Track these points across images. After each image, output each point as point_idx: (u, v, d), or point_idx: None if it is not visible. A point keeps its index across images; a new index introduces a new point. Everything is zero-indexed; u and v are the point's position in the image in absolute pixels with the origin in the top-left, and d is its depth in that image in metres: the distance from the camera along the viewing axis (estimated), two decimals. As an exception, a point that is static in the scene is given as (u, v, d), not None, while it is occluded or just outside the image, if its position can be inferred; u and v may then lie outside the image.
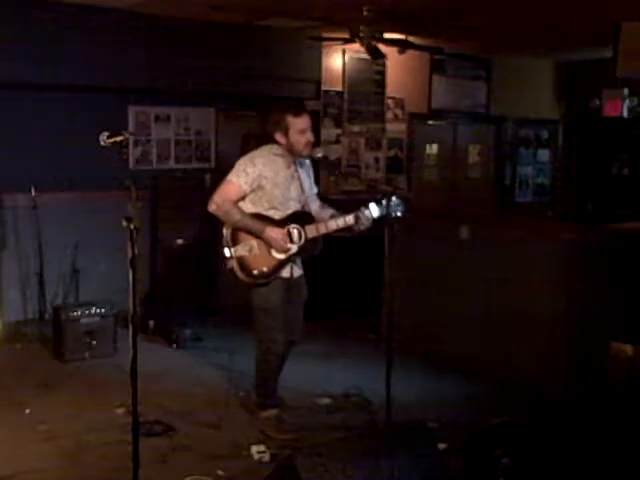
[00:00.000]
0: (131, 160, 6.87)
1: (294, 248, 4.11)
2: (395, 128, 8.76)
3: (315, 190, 4.38)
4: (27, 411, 4.50)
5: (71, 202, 6.55)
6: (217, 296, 6.89)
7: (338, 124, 8.23)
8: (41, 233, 6.28)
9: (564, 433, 3.96)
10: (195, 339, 6.03)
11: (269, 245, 4.06)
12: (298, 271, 4.27)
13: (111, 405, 4.46)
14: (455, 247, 5.54)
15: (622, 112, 7.87)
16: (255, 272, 4.07)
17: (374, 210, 4.08)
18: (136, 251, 3.09)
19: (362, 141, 8.50)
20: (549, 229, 5.28)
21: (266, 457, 3.86)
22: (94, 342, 5.53)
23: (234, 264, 4.08)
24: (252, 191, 4.08)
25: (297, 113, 4.12)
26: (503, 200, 9.90)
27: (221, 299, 6.84)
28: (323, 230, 4.13)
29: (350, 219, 4.11)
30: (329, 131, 8.16)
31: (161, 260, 6.94)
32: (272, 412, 4.28)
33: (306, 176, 4.28)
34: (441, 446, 3.89)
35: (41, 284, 6.33)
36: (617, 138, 8.11)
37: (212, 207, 4.08)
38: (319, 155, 4.28)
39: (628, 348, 4.38)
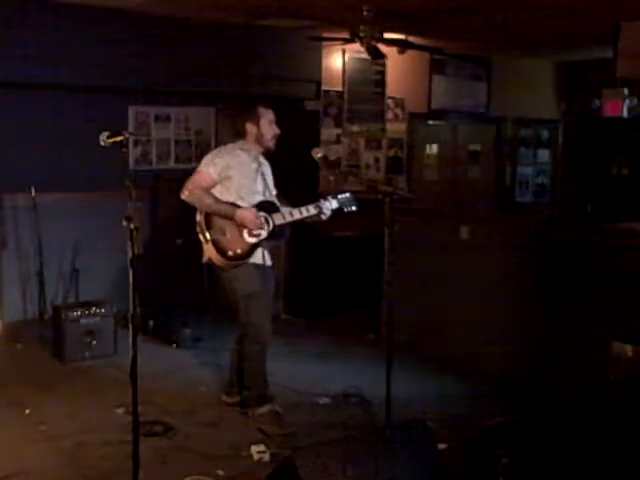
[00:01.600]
0: (131, 160, 6.87)
1: (263, 233, 4.29)
2: (395, 128, 8.76)
3: (275, 192, 4.54)
4: (27, 411, 4.50)
5: (71, 202, 6.55)
6: (217, 296, 6.88)
7: (338, 124, 8.23)
8: (41, 233, 6.28)
9: (564, 433, 3.96)
10: (195, 339, 6.03)
11: (242, 226, 4.21)
12: (269, 261, 4.42)
13: (111, 405, 4.47)
14: (455, 247, 5.54)
15: (622, 112, 7.87)
16: (230, 253, 4.21)
17: (333, 202, 4.45)
18: (136, 251, 3.09)
19: (362, 141, 8.49)
20: (549, 229, 5.28)
21: (266, 457, 3.87)
22: (94, 342, 5.53)
23: (210, 248, 4.21)
24: (220, 181, 4.26)
25: (267, 106, 4.42)
26: (503, 200, 9.90)
27: (221, 299, 6.83)
28: (289, 218, 4.39)
29: (311, 209, 4.40)
30: (329, 131, 8.15)
31: (161, 260, 6.93)
32: (268, 407, 4.31)
33: (268, 176, 4.50)
34: (441, 446, 3.89)
35: (41, 284, 6.33)
36: (617, 138, 8.10)
37: (185, 194, 4.25)
38: (319, 155, 4.38)
39: (628, 348, 4.38)
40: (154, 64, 6.52)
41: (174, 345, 5.96)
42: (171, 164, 7.26)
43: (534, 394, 4.70)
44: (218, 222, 4.22)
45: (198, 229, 4.26)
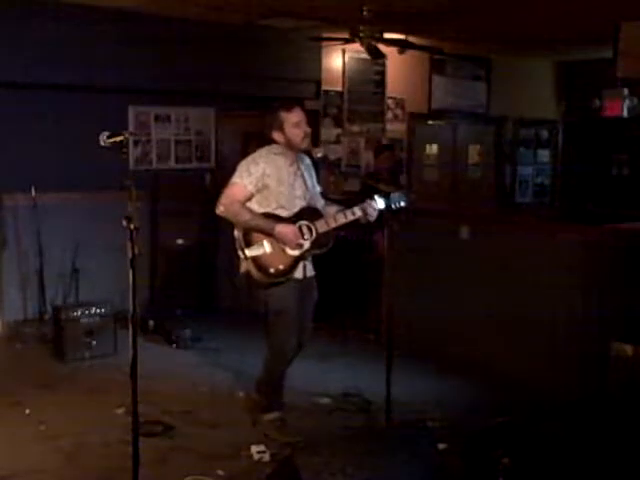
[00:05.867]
0: (131, 160, 6.87)
1: (306, 244, 4.09)
2: (395, 128, 8.76)
3: (318, 189, 4.37)
4: (27, 411, 4.50)
5: (71, 202, 6.55)
6: (217, 296, 6.89)
7: (338, 124, 8.23)
8: (41, 233, 6.28)
9: (564, 433, 3.96)
10: (195, 339, 6.03)
11: (281, 242, 4.04)
12: (310, 272, 4.24)
13: (111, 405, 4.46)
14: (455, 247, 5.54)
15: (622, 112, 7.87)
16: (272, 270, 4.02)
17: (379, 202, 4.12)
18: (136, 251, 3.09)
19: (362, 141, 8.50)
20: (549, 229, 5.28)
21: (266, 457, 3.86)
22: (94, 342, 5.53)
23: (250, 265, 4.04)
24: (258, 191, 4.06)
25: (289, 108, 4.14)
26: (503, 200, 9.90)
27: (221, 299, 6.85)
28: (333, 224, 4.13)
29: (357, 211, 4.13)
30: (329, 131, 8.15)
31: (161, 260, 6.94)
32: (275, 415, 4.26)
33: (308, 175, 4.28)
34: (441, 446, 3.90)
35: (41, 284, 6.33)
36: (617, 138, 8.10)
37: (220, 209, 4.06)
38: (319, 155, 4.29)
39: (628, 348, 4.38)
40: (154, 64, 6.52)
41: (174, 345, 5.96)
42: (171, 164, 7.26)
43: (534, 394, 4.70)
44: (258, 238, 4.02)
45: (237, 245, 4.06)
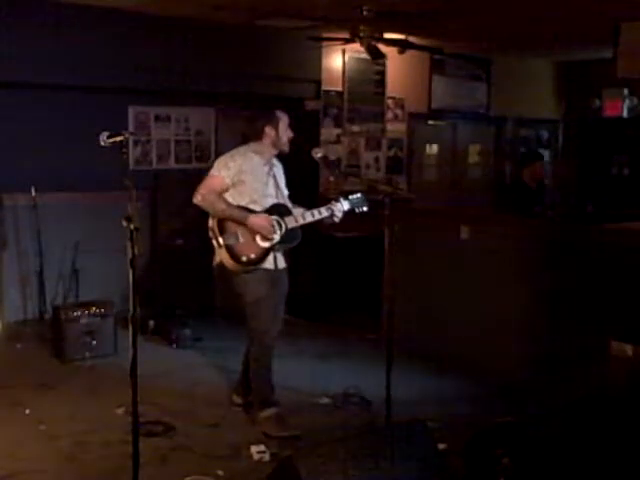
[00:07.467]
0: (131, 160, 6.87)
1: (276, 237, 4.27)
2: (395, 128, 8.76)
3: (286, 192, 4.53)
4: (27, 411, 4.50)
5: (71, 202, 6.56)
6: (217, 296, 6.88)
7: (338, 124, 8.23)
8: (41, 233, 6.28)
9: (564, 433, 3.96)
10: (195, 339, 6.03)
11: (254, 232, 4.21)
12: (282, 263, 4.40)
13: (111, 405, 4.47)
14: (455, 247, 5.54)
15: (622, 112, 7.87)
16: (244, 258, 4.20)
17: (345, 204, 4.42)
18: (136, 251, 3.09)
19: (362, 141, 8.49)
20: (549, 229, 5.28)
21: (266, 457, 3.87)
22: (94, 342, 5.53)
23: (223, 253, 4.19)
24: (233, 185, 4.25)
25: (283, 110, 4.44)
26: (503, 200, 9.88)
27: (221, 299, 6.84)
28: (301, 221, 4.36)
29: (324, 211, 4.39)
30: (329, 131, 8.15)
31: (161, 260, 6.93)
32: (272, 411, 4.29)
33: (279, 177, 4.48)
34: (441, 446, 3.89)
35: (41, 284, 6.34)
36: (617, 138, 8.10)
37: (197, 198, 4.24)
38: (319, 155, 4.39)
39: (628, 348, 4.38)
40: (154, 64, 6.52)
41: (174, 345, 5.96)
42: (171, 164, 7.26)
43: (534, 394, 4.70)
44: (231, 227, 4.20)
45: (211, 234, 4.25)
